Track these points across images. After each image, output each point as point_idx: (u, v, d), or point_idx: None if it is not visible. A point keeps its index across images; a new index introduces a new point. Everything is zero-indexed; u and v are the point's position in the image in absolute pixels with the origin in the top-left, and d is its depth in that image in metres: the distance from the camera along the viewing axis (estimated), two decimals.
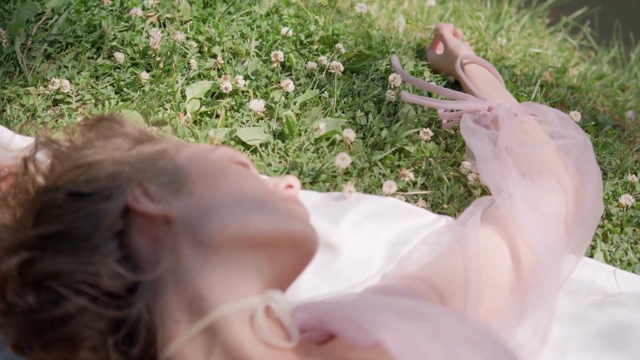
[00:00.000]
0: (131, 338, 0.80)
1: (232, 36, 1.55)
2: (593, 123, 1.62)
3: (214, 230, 0.80)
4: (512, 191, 1.12)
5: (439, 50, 1.67)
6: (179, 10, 1.58)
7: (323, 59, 1.50)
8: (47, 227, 0.82)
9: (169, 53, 1.44)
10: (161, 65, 1.42)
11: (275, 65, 1.48)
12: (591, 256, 1.27)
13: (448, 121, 1.40)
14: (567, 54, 2.16)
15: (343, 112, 1.43)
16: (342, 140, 1.34)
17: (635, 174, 1.44)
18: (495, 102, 1.35)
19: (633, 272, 1.26)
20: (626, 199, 1.34)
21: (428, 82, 1.55)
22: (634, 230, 1.34)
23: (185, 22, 1.57)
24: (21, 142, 1.18)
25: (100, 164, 0.87)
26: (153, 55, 1.44)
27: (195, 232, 0.81)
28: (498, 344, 0.77)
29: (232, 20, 1.61)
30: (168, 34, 1.51)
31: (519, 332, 1.06)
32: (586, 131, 1.57)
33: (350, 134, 1.29)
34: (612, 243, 1.31)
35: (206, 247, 0.80)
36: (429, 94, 1.49)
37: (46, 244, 0.81)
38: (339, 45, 1.54)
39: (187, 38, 1.51)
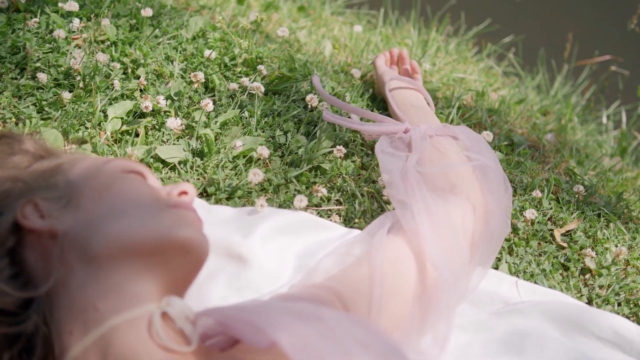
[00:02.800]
0: (28, 351, 0.82)
1: (157, 58, 1.58)
2: (506, 143, 1.69)
3: (99, 242, 0.83)
4: (414, 209, 1.17)
5: None
6: (103, 33, 1.61)
7: (245, 80, 1.55)
8: None
9: (91, 74, 1.47)
10: (82, 84, 1.45)
11: (196, 85, 1.52)
12: (496, 268, 1.33)
13: (369, 135, 1.47)
14: (491, 79, 2.24)
15: (263, 131, 1.47)
16: (259, 158, 1.38)
17: (543, 190, 1.51)
18: (414, 124, 1.41)
19: (535, 282, 1.31)
20: (530, 214, 1.41)
21: (348, 103, 1.61)
22: (539, 243, 1.40)
23: (111, 45, 1.60)
24: None
25: None
26: (75, 76, 1.46)
27: (82, 245, 0.83)
28: (388, 345, 0.81)
29: (159, 44, 1.65)
30: (93, 55, 1.54)
31: (422, 340, 1.10)
32: (499, 150, 1.64)
33: (264, 151, 1.34)
34: (517, 255, 1.37)
35: (94, 259, 0.83)
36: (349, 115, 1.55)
37: None
38: (261, 67, 1.58)
39: (112, 60, 1.54)
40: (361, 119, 1.49)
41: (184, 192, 0.96)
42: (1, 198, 0.88)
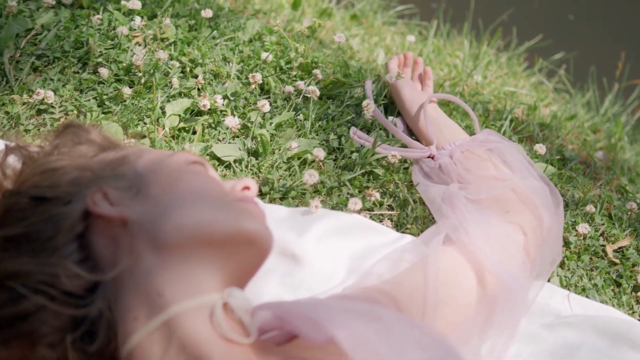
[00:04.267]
0: (91, 335, 0.84)
1: (215, 59, 1.61)
2: (558, 157, 1.68)
3: (169, 231, 0.85)
4: (464, 224, 1.17)
5: None
6: (164, 32, 1.64)
7: (300, 83, 1.56)
8: (10, 229, 0.86)
9: (151, 71, 1.50)
10: (143, 81, 1.47)
11: (253, 86, 1.53)
12: (548, 280, 1.32)
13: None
14: (542, 94, 2.24)
15: (317, 135, 1.49)
16: (313, 160, 1.40)
17: (595, 206, 1.50)
18: (439, 141, 1.42)
19: (587, 297, 1.30)
20: (583, 228, 1.40)
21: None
22: (591, 258, 1.39)
23: (170, 44, 1.63)
24: None
25: (63, 170, 0.92)
26: (136, 72, 1.49)
27: (152, 233, 0.85)
28: (445, 348, 0.81)
29: (216, 44, 1.68)
30: (152, 53, 1.57)
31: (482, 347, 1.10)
32: (551, 164, 1.63)
33: (320, 153, 1.35)
34: (569, 269, 1.36)
35: (163, 248, 0.84)
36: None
37: (9, 245, 0.85)
38: (316, 71, 1.60)
39: (171, 58, 1.57)
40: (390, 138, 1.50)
41: (247, 187, 0.98)
42: (71, 186, 0.90)
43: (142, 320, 0.81)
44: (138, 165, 0.95)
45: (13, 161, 0.97)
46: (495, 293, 1.10)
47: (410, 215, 1.36)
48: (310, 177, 1.27)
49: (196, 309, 0.82)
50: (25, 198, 0.88)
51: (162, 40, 1.63)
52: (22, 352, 0.84)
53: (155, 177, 0.92)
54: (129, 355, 0.81)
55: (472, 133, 1.52)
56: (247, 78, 1.59)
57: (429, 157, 1.41)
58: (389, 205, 1.38)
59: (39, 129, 1.37)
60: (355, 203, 1.28)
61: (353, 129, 1.46)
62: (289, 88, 1.56)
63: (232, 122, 1.38)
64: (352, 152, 1.44)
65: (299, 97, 1.55)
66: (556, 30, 3.00)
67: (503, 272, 1.10)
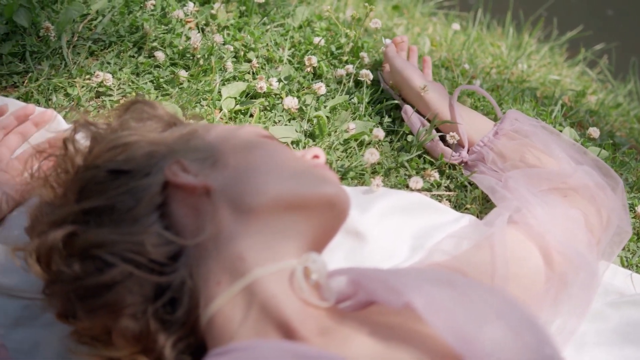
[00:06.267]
0: (173, 305, 0.85)
1: (267, 44, 1.62)
2: (611, 142, 1.67)
3: (252, 197, 0.85)
4: (528, 206, 1.16)
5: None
6: (216, 18, 1.65)
7: (350, 67, 1.57)
8: (90, 202, 0.87)
9: (206, 55, 1.51)
10: (201, 62, 1.49)
11: (308, 69, 1.54)
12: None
13: None
14: (585, 83, 2.23)
15: (371, 117, 1.49)
16: (370, 142, 1.40)
17: None
18: (467, 130, 1.38)
19: None
20: None
21: None
22: None
23: (223, 29, 1.64)
24: (62, 124, 1.26)
25: (136, 145, 0.93)
26: (191, 57, 1.50)
27: (235, 200, 0.86)
28: (524, 316, 0.80)
29: (266, 30, 1.68)
30: (206, 37, 1.58)
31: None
32: (604, 149, 1.62)
33: (379, 133, 1.35)
34: (629, 250, 1.35)
35: (246, 214, 0.85)
36: None
37: (89, 218, 0.86)
38: (363, 54, 1.60)
39: (224, 43, 1.58)
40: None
41: (316, 156, 0.99)
42: (147, 159, 0.91)
43: (225, 284, 0.82)
44: (209, 138, 0.96)
45: (79, 138, 0.98)
46: (563, 272, 1.10)
47: (469, 195, 1.36)
48: (371, 155, 1.27)
49: (277, 272, 0.83)
50: (103, 172, 0.89)
51: (218, 29, 1.64)
52: (105, 323, 0.85)
53: (230, 147, 0.93)
54: (210, 321, 0.81)
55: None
56: (299, 63, 1.59)
57: (460, 163, 1.39)
58: (446, 187, 1.38)
59: (98, 111, 1.39)
60: (417, 182, 1.28)
61: (407, 107, 1.45)
62: (341, 71, 1.56)
63: (291, 102, 1.38)
64: (407, 134, 1.44)
65: (349, 81, 1.56)
66: (595, 24, 2.99)
67: (571, 252, 1.10)
